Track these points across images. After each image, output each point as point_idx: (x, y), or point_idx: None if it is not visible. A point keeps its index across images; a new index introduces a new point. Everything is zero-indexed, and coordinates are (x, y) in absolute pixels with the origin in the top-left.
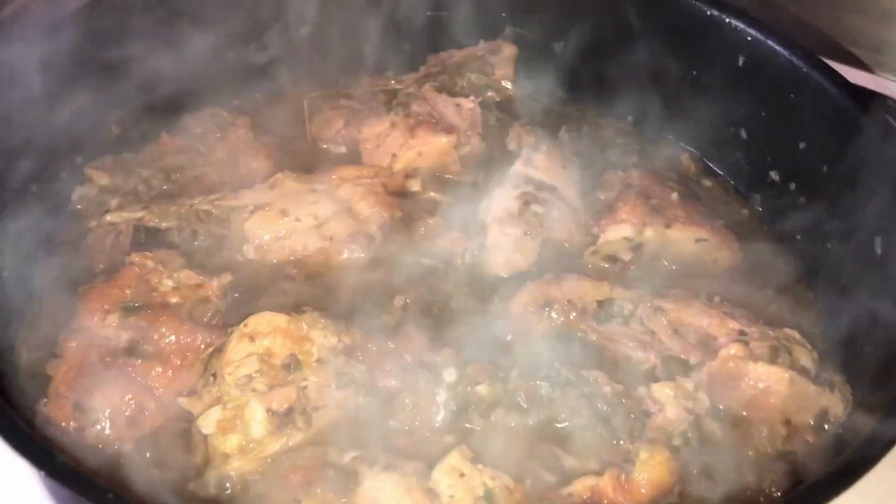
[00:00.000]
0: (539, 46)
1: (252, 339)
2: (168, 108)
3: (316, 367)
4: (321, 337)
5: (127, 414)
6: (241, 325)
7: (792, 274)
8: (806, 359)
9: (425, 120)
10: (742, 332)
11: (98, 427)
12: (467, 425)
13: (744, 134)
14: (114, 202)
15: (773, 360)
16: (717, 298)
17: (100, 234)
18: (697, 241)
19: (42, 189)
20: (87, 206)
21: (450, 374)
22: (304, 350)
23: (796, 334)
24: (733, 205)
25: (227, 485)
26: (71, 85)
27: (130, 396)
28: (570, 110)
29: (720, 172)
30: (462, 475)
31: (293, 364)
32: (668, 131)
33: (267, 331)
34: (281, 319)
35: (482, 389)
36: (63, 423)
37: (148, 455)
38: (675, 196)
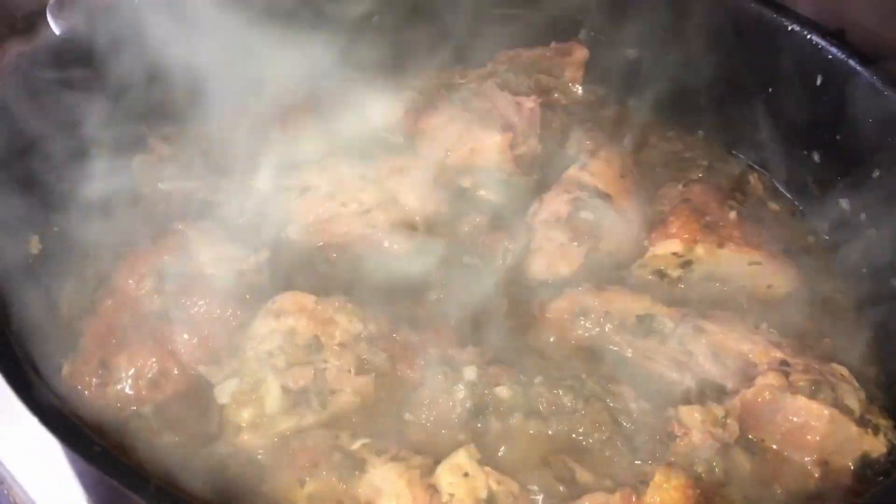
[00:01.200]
0: (613, 52)
1: (278, 316)
2: (235, 86)
3: (337, 351)
4: (346, 321)
5: (149, 376)
6: (269, 302)
7: (852, 309)
8: (851, 398)
9: (483, 116)
10: (784, 363)
11: (119, 386)
12: (481, 425)
13: (816, 157)
14: (170, 171)
15: (813, 395)
16: (764, 325)
17: (152, 201)
18: (751, 263)
19: (102, 152)
20: (145, 172)
21: (470, 372)
22: (327, 332)
23: (844, 371)
24: (799, 230)
25: (235, 457)
26: (143, 59)
27: (155, 360)
28: (639, 119)
29: (788, 196)
30: (466, 475)
31: (315, 345)
32: (739, 149)
33: (293, 310)
34: (308, 300)
35: (502, 391)
36: (87, 378)
37: (164, 418)
38: (732, 215)
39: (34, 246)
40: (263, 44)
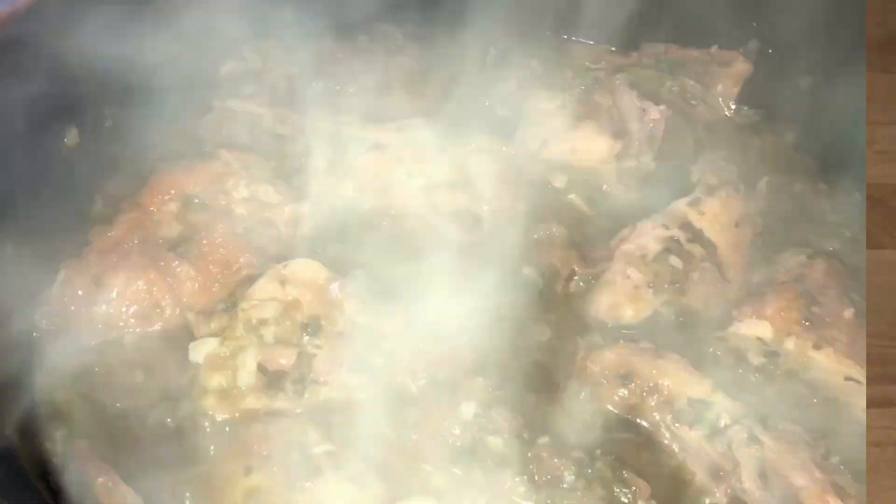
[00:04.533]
0: (783, 74)
1: (283, 283)
2: (350, 16)
3: (335, 340)
4: (356, 311)
5: (141, 306)
6: (280, 265)
7: None
8: None
9: (598, 113)
10: None
11: (105, 307)
12: (461, 472)
13: None
14: (248, 89)
15: None
16: (836, 459)
17: (219, 117)
18: (847, 378)
19: (184, 48)
20: (228, 82)
21: (468, 409)
22: (330, 317)
23: None
24: None
25: (192, 420)
26: None
27: (153, 289)
28: (792, 161)
29: None
30: None
31: (313, 327)
32: None
33: (303, 281)
34: (322, 274)
35: (494, 442)
36: (77, 291)
37: (142, 354)
38: (849, 313)
39: (72, 138)
40: None
